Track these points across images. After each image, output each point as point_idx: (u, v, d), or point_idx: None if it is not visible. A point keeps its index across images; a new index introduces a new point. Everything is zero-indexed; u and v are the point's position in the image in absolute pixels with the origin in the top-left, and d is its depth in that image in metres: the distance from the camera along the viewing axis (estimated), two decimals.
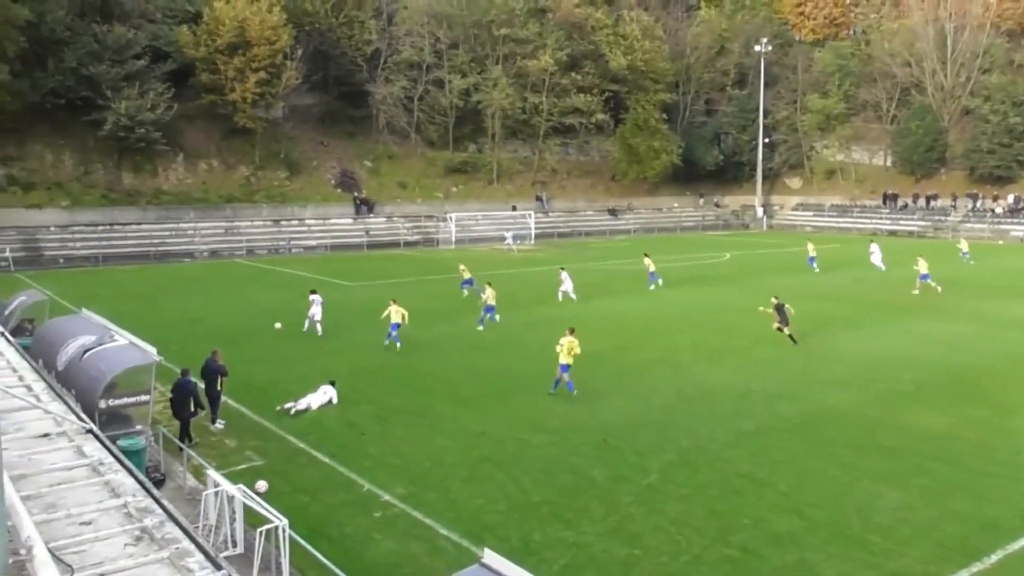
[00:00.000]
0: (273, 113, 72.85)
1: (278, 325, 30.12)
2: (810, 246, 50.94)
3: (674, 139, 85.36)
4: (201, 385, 19.16)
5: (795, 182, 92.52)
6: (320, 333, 29.33)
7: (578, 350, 21.84)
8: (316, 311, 29.90)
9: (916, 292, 38.07)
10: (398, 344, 27.10)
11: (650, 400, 21.02)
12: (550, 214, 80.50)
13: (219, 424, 18.77)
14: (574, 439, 18.11)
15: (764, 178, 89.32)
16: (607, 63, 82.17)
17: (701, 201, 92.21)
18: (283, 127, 73.44)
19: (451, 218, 69.54)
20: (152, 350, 16.45)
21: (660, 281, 41.15)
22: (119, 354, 16.42)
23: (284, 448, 17.76)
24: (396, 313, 28.04)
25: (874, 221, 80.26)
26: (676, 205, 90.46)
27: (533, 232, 72.18)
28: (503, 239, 68.16)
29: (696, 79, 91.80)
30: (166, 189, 64.46)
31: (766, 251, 61.25)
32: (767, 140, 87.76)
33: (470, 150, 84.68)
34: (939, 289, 37.85)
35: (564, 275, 37.90)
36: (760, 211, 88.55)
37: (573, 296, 37.04)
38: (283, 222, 65.99)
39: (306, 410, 20.32)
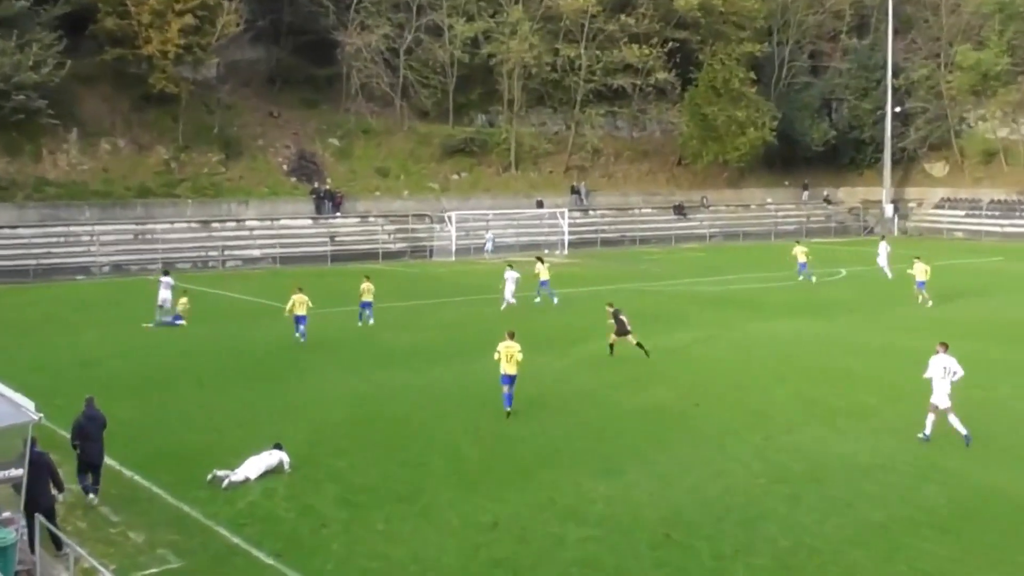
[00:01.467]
0: (204, 73, 73.53)
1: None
2: (798, 249, 55.13)
3: (766, 107, 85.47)
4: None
5: (938, 168, 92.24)
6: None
7: (520, 356, 25.19)
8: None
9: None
10: (302, 338, 35.10)
11: (734, 478, 20.74)
12: (591, 213, 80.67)
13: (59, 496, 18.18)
14: (625, 533, 17.84)
15: (894, 163, 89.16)
16: (671, 1, 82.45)
17: (805, 195, 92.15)
18: (217, 92, 74.15)
19: (450, 218, 69.67)
20: (29, 404, 16.39)
21: (813, 278, 45.84)
22: None
23: (212, 544, 17.58)
24: (301, 304, 36.16)
25: None
26: (769, 200, 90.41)
27: (566, 238, 72.13)
28: (484, 246, 68.20)
29: (797, 24, 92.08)
30: (53, 179, 65.11)
31: (899, 266, 60.86)
32: (898, 109, 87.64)
33: (478, 123, 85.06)
34: (929, 303, 43.81)
35: (539, 267, 45.72)
36: (889, 209, 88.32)
37: (512, 300, 43.45)
38: (215, 224, 66.55)
39: (243, 483, 20.28)
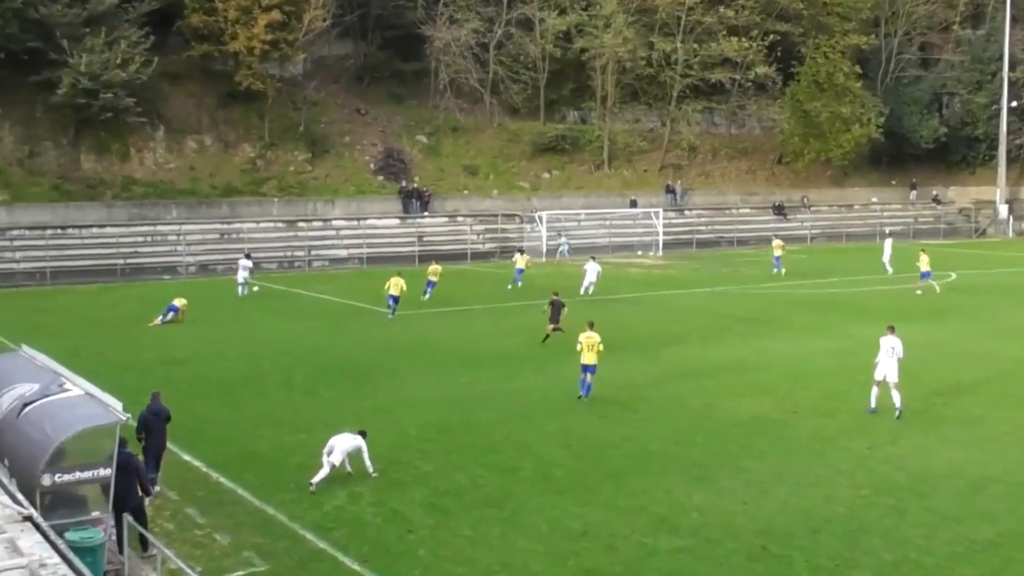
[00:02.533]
0: (290, 69, 74.53)
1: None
2: (776, 243, 58.37)
3: (872, 103, 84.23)
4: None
5: None
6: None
7: (600, 347, 27.45)
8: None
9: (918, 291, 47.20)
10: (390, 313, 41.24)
11: (834, 489, 20.60)
12: (686, 212, 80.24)
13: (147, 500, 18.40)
14: (719, 544, 17.86)
15: (1010, 161, 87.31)
16: None
17: (913, 194, 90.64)
18: (304, 88, 75.15)
19: (541, 218, 69.78)
20: (117, 405, 16.81)
21: (937, 288, 48.43)
22: (71, 410, 16.75)
23: (298, 548, 17.94)
24: (396, 285, 42.53)
25: None
26: (875, 200, 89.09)
27: (661, 239, 71.88)
28: (558, 247, 68.05)
29: (906, 14, 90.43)
30: (140, 177, 66.57)
31: (1013, 270, 59.55)
32: (1014, 104, 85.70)
33: (570, 120, 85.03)
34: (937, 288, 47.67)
35: (590, 265, 49.71)
36: (1004, 210, 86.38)
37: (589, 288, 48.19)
38: (301, 224, 67.42)
39: (332, 470, 20.54)
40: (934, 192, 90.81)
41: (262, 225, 66.33)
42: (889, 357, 26.97)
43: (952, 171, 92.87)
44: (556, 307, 37.11)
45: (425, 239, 68.88)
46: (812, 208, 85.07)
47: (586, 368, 27.88)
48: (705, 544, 17.87)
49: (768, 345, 35.92)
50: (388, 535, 18.44)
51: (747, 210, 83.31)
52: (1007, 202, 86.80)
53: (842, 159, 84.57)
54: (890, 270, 56.45)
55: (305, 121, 73.08)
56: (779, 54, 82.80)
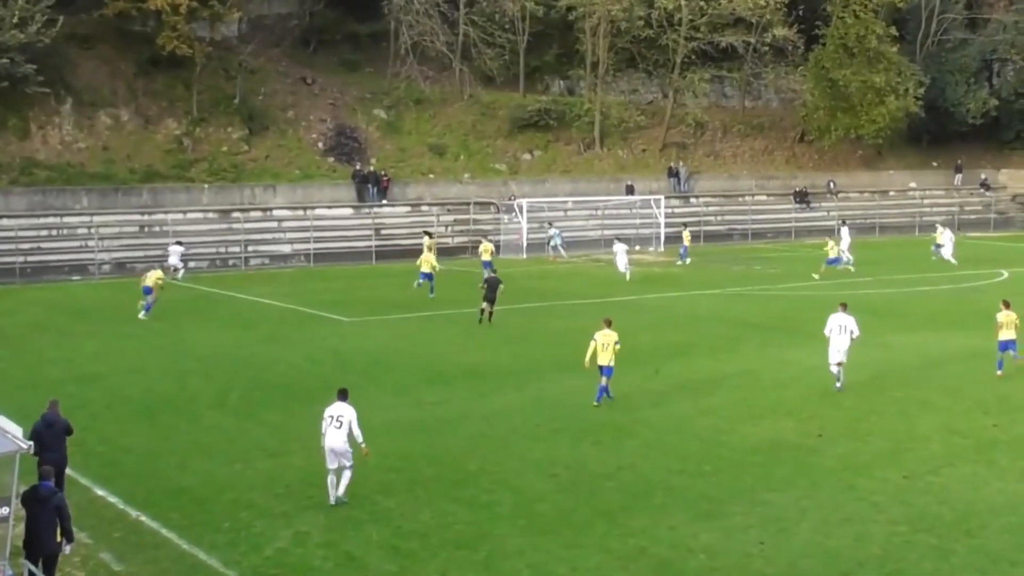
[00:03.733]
0: (223, 31, 74.38)
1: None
2: (830, 243, 59.33)
3: (911, 71, 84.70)
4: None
5: None
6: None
7: (618, 347, 29.10)
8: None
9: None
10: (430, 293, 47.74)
11: (866, 525, 20.73)
12: (692, 200, 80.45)
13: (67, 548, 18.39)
14: None
15: None
16: None
17: (958, 179, 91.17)
18: (239, 54, 75.03)
19: (521, 207, 69.84)
20: (17, 430, 16.79)
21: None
22: None
23: None
24: (426, 262, 50.05)
25: None
26: (913, 185, 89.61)
27: (663, 232, 72.04)
28: (550, 242, 68.44)
29: None
30: (43, 159, 66.37)
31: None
32: None
33: (554, 91, 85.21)
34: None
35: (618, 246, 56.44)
36: None
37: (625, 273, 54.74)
38: (236, 214, 67.25)
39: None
40: (983, 176, 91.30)
41: (190, 216, 66.19)
42: (840, 335, 31.12)
43: (1004, 151, 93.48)
44: (492, 285, 41.96)
45: (384, 232, 68.86)
46: (839, 195, 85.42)
47: (603, 370, 29.29)
48: None
49: (789, 357, 36.01)
50: None
51: (763, 197, 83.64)
52: None
53: (875, 137, 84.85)
54: (954, 262, 58.18)
55: (241, 92, 72.94)
56: (801, 13, 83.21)
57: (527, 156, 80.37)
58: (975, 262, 61.83)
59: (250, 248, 65.31)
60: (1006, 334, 32.92)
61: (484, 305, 41.97)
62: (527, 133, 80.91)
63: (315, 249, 65.46)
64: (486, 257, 55.94)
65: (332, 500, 21.72)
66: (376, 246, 66.62)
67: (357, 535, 20.41)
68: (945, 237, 61.90)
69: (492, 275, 43.68)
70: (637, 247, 68.53)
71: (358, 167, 72.57)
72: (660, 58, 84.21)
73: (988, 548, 19.65)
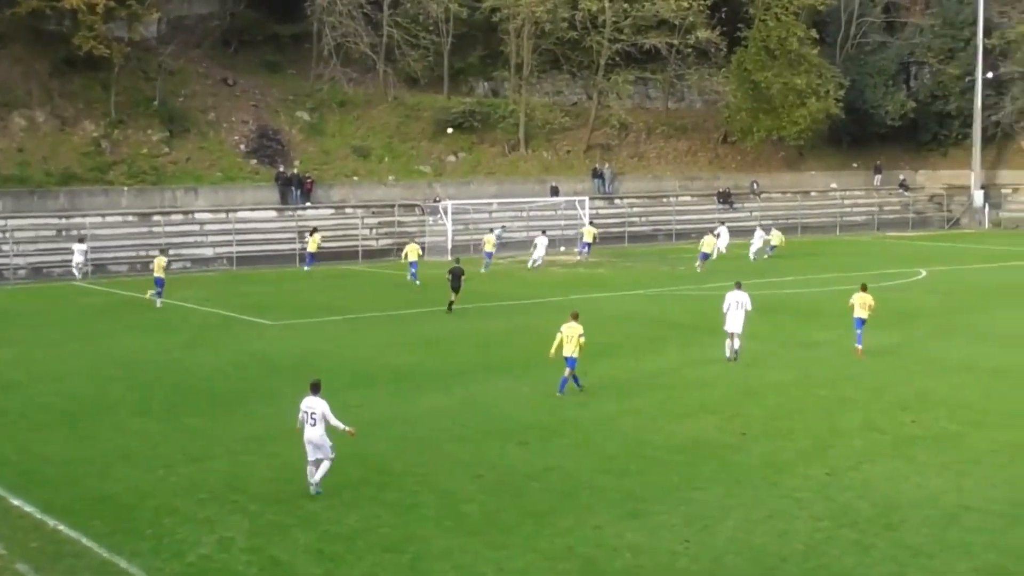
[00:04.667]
0: (142, 32, 73.67)
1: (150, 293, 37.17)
2: (775, 233, 64.92)
3: (831, 73, 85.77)
4: None
5: None
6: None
7: (583, 340, 30.31)
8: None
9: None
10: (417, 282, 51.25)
11: (790, 522, 20.89)
12: (617, 201, 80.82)
13: None
14: None
15: (986, 140, 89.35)
16: None
17: (877, 179, 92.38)
18: (159, 55, 74.44)
19: (446, 209, 69.79)
20: None
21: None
22: None
23: None
24: (414, 251, 54.96)
25: None
26: (834, 186, 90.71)
27: (545, 239, 72.14)
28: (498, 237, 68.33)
29: None
30: None
31: (991, 266, 60.91)
32: (990, 75, 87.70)
33: (479, 92, 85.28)
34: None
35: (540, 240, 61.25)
36: (979, 196, 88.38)
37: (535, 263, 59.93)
38: (157, 217, 66.71)
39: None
40: (901, 176, 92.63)
41: (109, 219, 65.61)
42: (736, 310, 34.84)
43: (921, 152, 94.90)
44: (456, 275, 45.18)
45: (162, 247, 68.15)
46: (762, 195, 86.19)
47: (568, 361, 30.55)
48: None
49: (712, 356, 36.18)
50: None
51: (687, 198, 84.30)
52: (982, 188, 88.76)
53: (797, 138, 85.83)
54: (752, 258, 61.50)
55: (160, 94, 72.39)
56: (724, 16, 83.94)
57: (452, 158, 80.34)
58: (895, 261, 62.66)
59: (172, 252, 64.45)
60: (859, 313, 36.36)
61: (453, 296, 45.24)
62: (452, 135, 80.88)
63: (238, 252, 65.01)
64: (412, 258, 56.62)
65: (312, 491, 22.33)
66: (300, 249, 66.22)
67: (282, 539, 20.26)
68: (756, 236, 66.16)
69: (456, 265, 46.37)
70: (562, 248, 68.71)
71: (281, 169, 72.24)
72: (584, 60, 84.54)
73: (907, 541, 19.88)
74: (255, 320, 44.76)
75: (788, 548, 19.65)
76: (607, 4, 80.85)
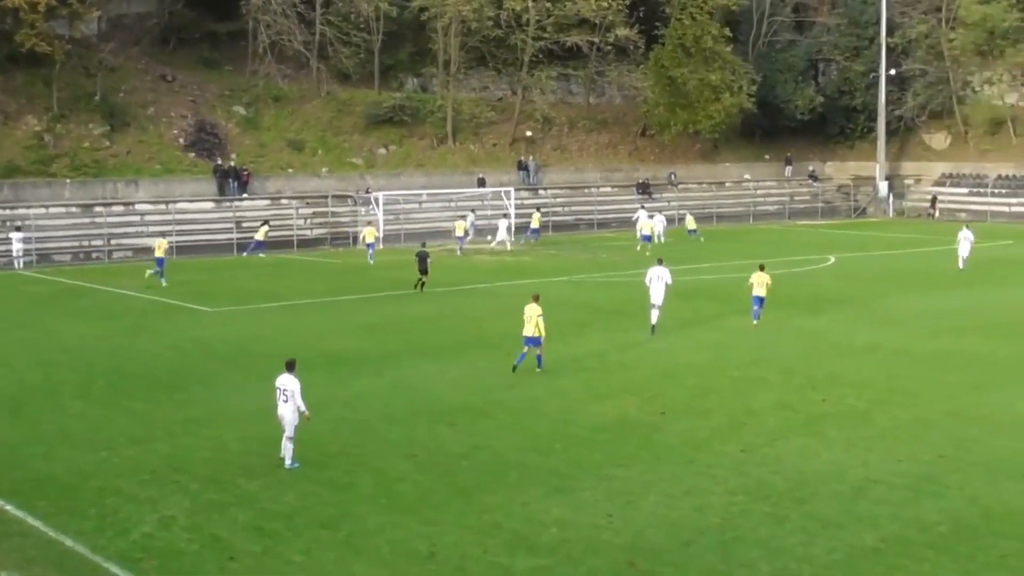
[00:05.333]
0: (82, 29, 72.83)
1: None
2: (689, 218, 68.27)
3: (744, 69, 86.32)
4: None
5: (939, 140, 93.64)
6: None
7: (540, 321, 30.61)
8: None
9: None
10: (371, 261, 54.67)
11: (707, 497, 21.06)
12: (541, 192, 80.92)
13: None
14: (582, 562, 18.03)
15: (889, 134, 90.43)
16: None
17: (788, 170, 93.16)
18: (99, 51, 73.57)
19: (377, 200, 69.56)
20: None
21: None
22: None
23: None
24: (371, 234, 57.97)
25: None
26: (747, 177, 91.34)
27: (513, 222, 72.29)
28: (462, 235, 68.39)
29: None
30: None
31: (894, 252, 61.72)
32: (893, 72, 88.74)
33: (408, 88, 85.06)
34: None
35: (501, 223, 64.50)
36: (884, 187, 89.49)
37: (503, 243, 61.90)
38: (99, 208, 65.87)
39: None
40: (811, 168, 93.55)
41: (52, 210, 64.76)
42: (657, 283, 37.10)
43: (829, 145, 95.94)
44: (422, 257, 47.74)
45: (245, 225, 68.10)
46: (679, 186, 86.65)
47: (528, 340, 31.08)
48: (566, 562, 18.04)
49: (633, 339, 36.44)
50: (207, 564, 18.17)
51: (608, 188, 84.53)
52: (887, 178, 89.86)
53: (711, 132, 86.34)
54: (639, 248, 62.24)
55: (101, 89, 71.59)
56: (641, 15, 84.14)
57: (383, 151, 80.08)
58: (805, 248, 63.31)
59: (113, 241, 64.13)
60: (758, 291, 38.62)
61: (421, 277, 47.47)
62: (382, 129, 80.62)
63: (177, 242, 64.27)
64: (370, 240, 60.43)
65: (287, 465, 22.79)
66: (237, 238, 65.87)
67: (222, 518, 20.16)
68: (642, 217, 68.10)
69: (423, 249, 48.72)
70: (488, 237, 68.70)
71: (219, 162, 71.72)
72: (509, 57, 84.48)
73: (818, 514, 20.10)
74: (194, 307, 44.41)
75: (705, 522, 19.82)
76: (530, 3, 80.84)
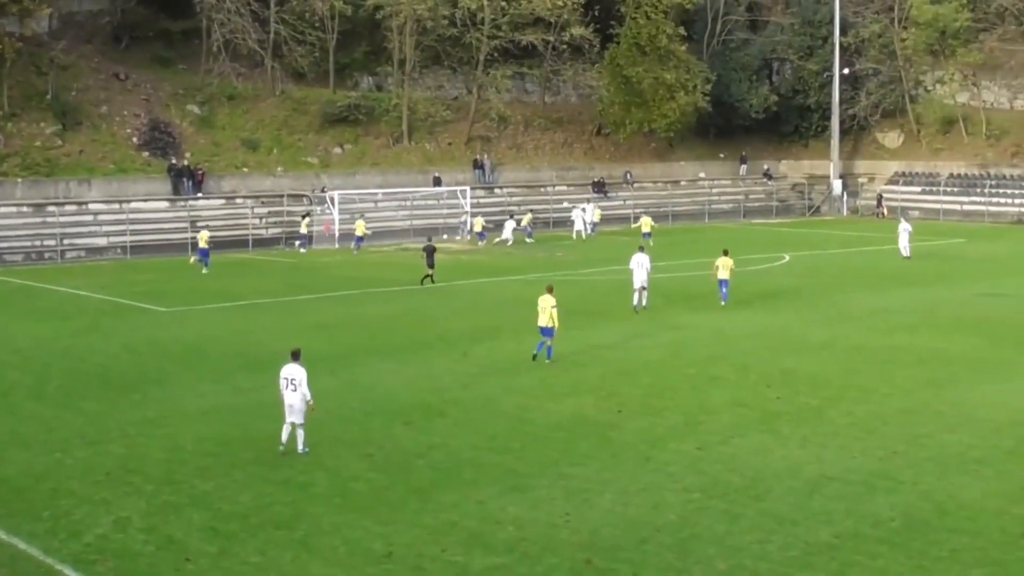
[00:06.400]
0: (33, 27, 72.20)
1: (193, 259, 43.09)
2: (645, 220, 68.00)
3: (698, 68, 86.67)
4: None
5: (892, 139, 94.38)
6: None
7: (554, 312, 31.97)
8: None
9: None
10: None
11: (663, 495, 21.11)
12: (496, 191, 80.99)
13: None
14: (539, 560, 18.05)
15: (843, 133, 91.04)
16: None
17: (743, 169, 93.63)
18: (50, 49, 72.92)
19: (332, 199, 69.40)
20: None
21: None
22: None
23: None
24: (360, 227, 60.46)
25: (1021, 200, 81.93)
26: (702, 175, 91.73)
27: (469, 221, 72.38)
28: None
29: None
30: None
31: (849, 250, 62.15)
32: (846, 71, 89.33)
33: (363, 87, 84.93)
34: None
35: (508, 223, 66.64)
36: (838, 185, 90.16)
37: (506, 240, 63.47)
38: (51, 208, 65.49)
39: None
40: (765, 167, 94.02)
41: (4, 210, 64.32)
42: (639, 268, 40.74)
43: (784, 143, 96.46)
44: (429, 251, 49.02)
45: (199, 224, 67.64)
46: (635, 184, 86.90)
47: (543, 331, 32.26)
48: (523, 560, 18.05)
49: (588, 337, 36.49)
50: (162, 566, 18.07)
51: (563, 187, 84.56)
52: (841, 177, 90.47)
53: (666, 130, 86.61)
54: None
55: (53, 88, 71.04)
56: (596, 13, 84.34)
57: (338, 150, 79.88)
58: (760, 247, 63.64)
59: (66, 241, 63.74)
60: (723, 275, 42.12)
61: (428, 271, 48.71)
62: (337, 128, 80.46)
63: (131, 242, 64.30)
64: (359, 233, 63.74)
65: (281, 448, 23.50)
66: (191, 238, 65.40)
67: (178, 519, 20.07)
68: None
69: (429, 244, 50.32)
70: (444, 236, 68.73)
71: (173, 161, 71.34)
72: (464, 56, 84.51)
73: (773, 510, 20.21)
74: (148, 307, 44.17)
75: (662, 519, 19.88)
76: (486, 2, 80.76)
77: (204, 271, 54.01)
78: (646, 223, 67.28)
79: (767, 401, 28.16)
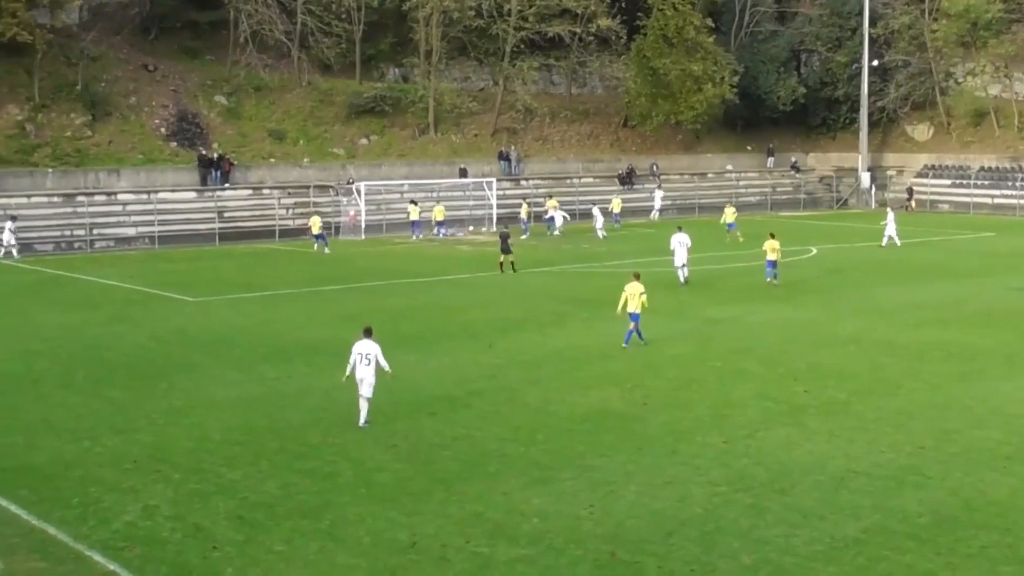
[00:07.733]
0: (63, 19, 72.60)
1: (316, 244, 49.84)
2: (729, 210, 67.48)
3: (726, 60, 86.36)
4: None
5: (922, 131, 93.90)
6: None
7: (644, 298, 33.13)
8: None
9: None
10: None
11: (688, 488, 21.10)
12: (522, 183, 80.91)
13: None
14: (563, 552, 18.07)
15: (872, 125, 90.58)
16: None
17: (770, 161, 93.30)
18: (81, 41, 73.30)
19: (359, 190, 69.52)
20: None
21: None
22: None
23: (84, 572, 17.50)
24: (316, 224, 58.93)
25: None
26: (729, 167, 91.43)
27: (495, 212, 72.41)
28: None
29: None
30: None
31: (877, 244, 61.87)
32: (876, 63, 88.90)
33: (390, 78, 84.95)
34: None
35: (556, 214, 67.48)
36: (866, 178, 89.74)
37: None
38: (81, 198, 65.78)
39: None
40: (793, 159, 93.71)
41: (34, 200, 64.70)
42: (680, 247, 44.47)
43: (812, 136, 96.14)
44: (503, 238, 50.45)
45: (227, 215, 68.15)
46: (661, 176, 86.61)
47: (633, 316, 33.32)
48: (547, 552, 18.07)
49: (614, 330, 36.36)
50: (190, 553, 18.18)
51: (590, 179, 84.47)
52: (869, 170, 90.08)
53: (693, 122, 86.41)
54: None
55: (83, 79, 71.37)
56: (623, 5, 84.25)
57: (364, 141, 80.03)
58: (788, 240, 63.12)
59: (95, 231, 64.10)
60: (771, 256, 45.16)
61: (502, 258, 49.85)
62: (364, 119, 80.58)
63: (159, 232, 64.62)
64: (414, 216, 66.46)
65: (362, 422, 25.02)
66: (219, 228, 65.89)
67: (204, 507, 20.19)
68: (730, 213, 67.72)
69: (504, 230, 52.43)
70: (471, 227, 68.74)
71: (201, 152, 71.61)
72: (491, 47, 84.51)
73: (799, 505, 20.18)
74: (175, 296, 44.40)
75: (687, 512, 19.88)
76: None
77: (327, 251, 58.65)
78: (730, 213, 66.76)
79: (794, 395, 28.11)
